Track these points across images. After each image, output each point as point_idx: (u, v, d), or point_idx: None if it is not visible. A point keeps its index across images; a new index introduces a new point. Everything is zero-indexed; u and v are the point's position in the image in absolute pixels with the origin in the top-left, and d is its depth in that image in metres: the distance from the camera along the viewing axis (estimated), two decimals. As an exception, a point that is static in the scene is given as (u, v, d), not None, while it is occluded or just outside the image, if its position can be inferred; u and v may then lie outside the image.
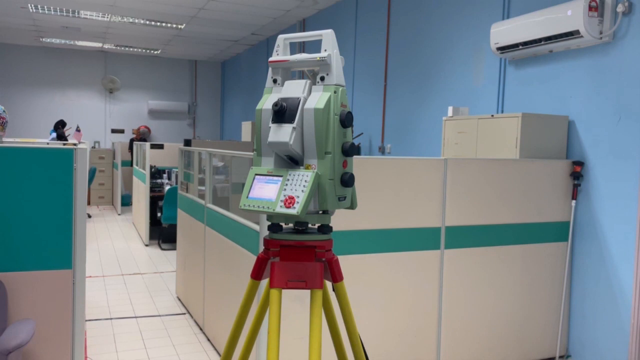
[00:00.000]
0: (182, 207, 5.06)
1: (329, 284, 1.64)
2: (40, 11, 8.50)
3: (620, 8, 3.50)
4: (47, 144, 4.33)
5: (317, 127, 1.44)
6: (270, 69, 1.59)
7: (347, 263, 3.12)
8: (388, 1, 6.20)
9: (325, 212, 1.54)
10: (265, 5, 7.75)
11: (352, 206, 1.60)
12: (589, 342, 3.75)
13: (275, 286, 1.50)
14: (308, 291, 3.07)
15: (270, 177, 1.49)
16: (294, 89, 1.49)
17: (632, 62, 3.47)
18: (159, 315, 4.64)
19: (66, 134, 9.03)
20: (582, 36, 3.62)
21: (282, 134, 1.46)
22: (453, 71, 5.17)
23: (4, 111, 3.72)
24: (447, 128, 4.39)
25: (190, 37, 10.36)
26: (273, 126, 1.48)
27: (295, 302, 2.98)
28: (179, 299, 5.08)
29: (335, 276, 1.59)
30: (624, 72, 3.53)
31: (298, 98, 1.47)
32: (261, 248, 2.95)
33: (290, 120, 1.46)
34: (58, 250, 2.51)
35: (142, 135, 12.49)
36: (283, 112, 1.46)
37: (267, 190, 1.47)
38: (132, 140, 11.90)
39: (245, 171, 4.42)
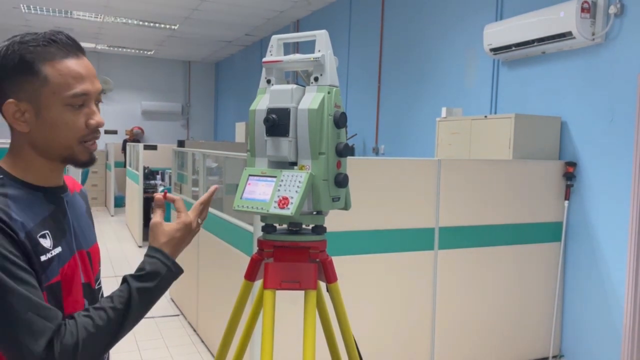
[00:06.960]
0: (175, 208, 5.03)
1: (323, 285, 1.64)
2: (33, 12, 8.45)
3: (612, 9, 3.52)
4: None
5: (311, 127, 1.44)
6: (264, 70, 1.58)
7: (341, 264, 3.11)
8: (382, 2, 6.21)
9: (319, 212, 1.54)
10: (259, 6, 7.74)
11: (346, 207, 1.60)
12: (582, 341, 3.76)
13: (269, 287, 1.50)
14: (302, 292, 3.06)
15: (264, 178, 1.48)
16: (281, 97, 1.48)
17: (624, 63, 3.49)
18: (153, 317, 4.62)
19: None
20: (574, 37, 3.63)
21: (281, 149, 1.46)
22: (447, 72, 5.18)
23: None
24: (441, 129, 4.39)
25: (184, 38, 10.33)
26: (269, 140, 1.48)
27: (289, 303, 2.97)
28: (173, 301, 5.06)
29: (330, 277, 1.59)
30: (615, 73, 3.55)
31: (287, 108, 1.46)
32: (255, 249, 2.94)
33: (285, 133, 1.45)
34: (50, 251, 2.49)
35: (135, 136, 12.44)
36: (276, 126, 1.46)
37: (260, 191, 1.46)
38: (125, 141, 11.85)
39: (239, 172, 4.40)
